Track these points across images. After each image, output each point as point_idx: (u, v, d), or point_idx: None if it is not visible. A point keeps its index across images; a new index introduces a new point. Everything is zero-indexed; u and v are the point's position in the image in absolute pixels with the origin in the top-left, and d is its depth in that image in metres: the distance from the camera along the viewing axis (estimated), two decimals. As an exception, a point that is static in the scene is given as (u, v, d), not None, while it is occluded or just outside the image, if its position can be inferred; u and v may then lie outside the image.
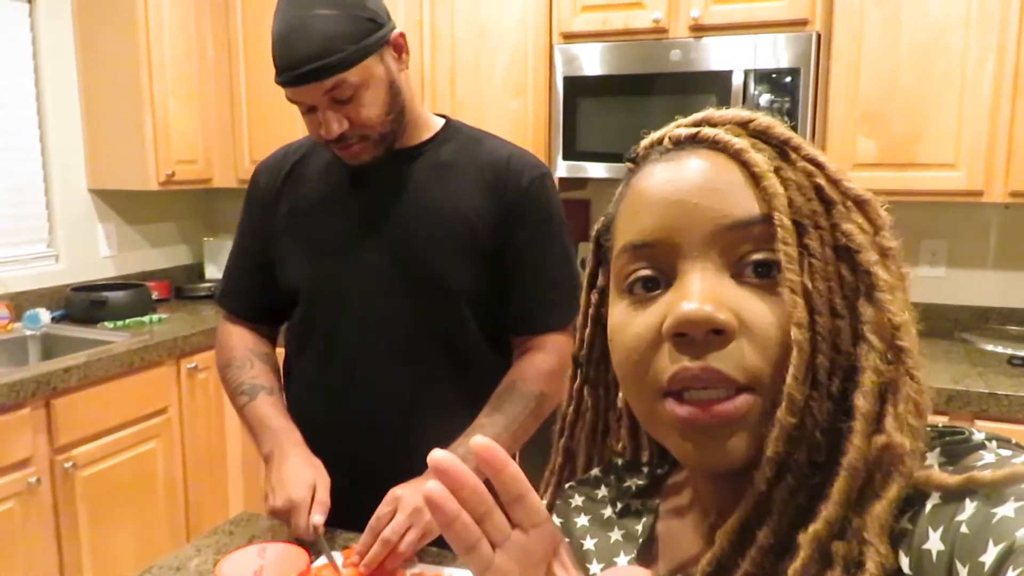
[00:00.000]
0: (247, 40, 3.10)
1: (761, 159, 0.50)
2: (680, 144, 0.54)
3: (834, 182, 0.51)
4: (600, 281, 0.63)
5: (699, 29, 2.46)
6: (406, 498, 1.16)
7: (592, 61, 2.58)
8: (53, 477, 2.26)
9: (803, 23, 2.35)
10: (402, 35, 1.27)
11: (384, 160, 1.30)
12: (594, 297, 0.63)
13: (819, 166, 0.52)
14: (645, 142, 0.58)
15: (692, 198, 0.51)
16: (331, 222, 1.35)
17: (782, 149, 0.52)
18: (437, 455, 0.48)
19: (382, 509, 1.16)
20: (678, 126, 0.56)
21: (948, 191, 2.28)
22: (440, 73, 2.83)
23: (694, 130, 0.54)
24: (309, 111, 1.24)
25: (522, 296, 1.34)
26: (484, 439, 0.47)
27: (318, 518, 1.17)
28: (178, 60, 2.99)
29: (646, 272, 0.52)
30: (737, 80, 2.37)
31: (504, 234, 1.31)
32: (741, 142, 0.51)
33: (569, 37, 2.64)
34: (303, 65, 1.17)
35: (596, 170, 2.62)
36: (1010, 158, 2.21)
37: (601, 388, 0.66)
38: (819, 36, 2.34)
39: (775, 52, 2.34)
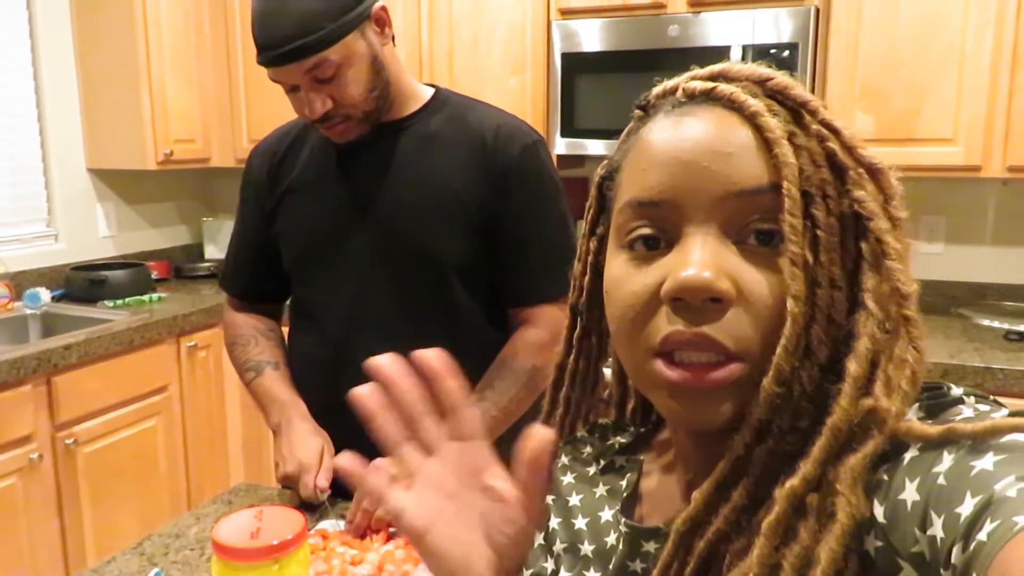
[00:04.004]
0: (244, 18, 3.09)
1: (776, 124, 0.49)
2: (694, 98, 0.53)
3: (848, 149, 0.50)
4: (600, 229, 0.62)
5: (698, 4, 2.45)
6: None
7: (591, 37, 2.57)
8: (55, 453, 2.28)
9: (802, -3, 2.34)
10: (384, 8, 1.24)
11: (371, 134, 1.29)
12: (593, 244, 0.63)
13: (834, 132, 0.51)
14: (657, 90, 0.57)
15: (702, 160, 0.50)
16: (321, 200, 1.34)
17: (798, 112, 0.51)
18: (374, 359, 0.51)
19: None
20: (693, 78, 0.54)
21: (947, 166, 2.28)
22: (438, 51, 2.82)
23: (710, 85, 0.52)
24: (293, 90, 1.23)
25: (516, 267, 1.32)
26: (427, 352, 0.51)
27: (323, 481, 1.22)
28: (176, 38, 2.98)
29: (648, 230, 0.52)
30: (735, 55, 2.36)
31: (496, 205, 1.29)
32: (757, 104, 0.50)
33: (567, 13, 2.63)
34: (282, 45, 1.15)
35: (595, 147, 2.62)
36: (1008, 132, 2.20)
37: (594, 336, 0.65)
38: (818, 11, 2.33)
39: (774, 27, 2.33)
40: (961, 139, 2.25)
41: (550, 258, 1.32)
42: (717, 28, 2.40)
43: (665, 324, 0.49)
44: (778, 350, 0.46)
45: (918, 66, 2.27)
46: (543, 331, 1.31)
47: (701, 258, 0.48)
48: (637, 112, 0.58)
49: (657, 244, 0.52)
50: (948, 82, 2.24)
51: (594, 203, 0.62)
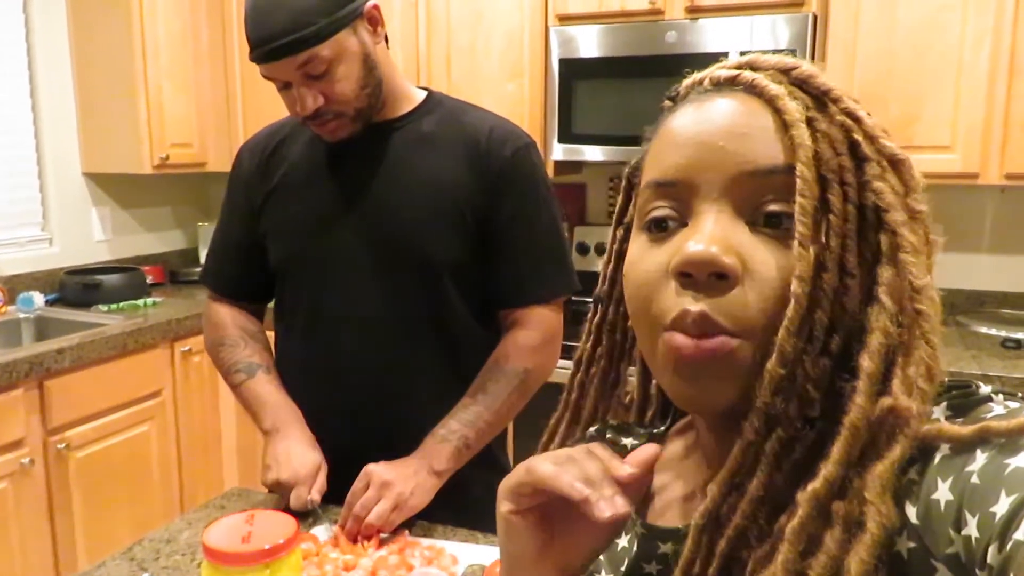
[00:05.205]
0: (241, 23, 3.07)
1: (794, 107, 0.49)
2: (719, 85, 0.54)
3: (871, 138, 0.50)
4: (627, 218, 0.62)
5: (695, 10, 2.45)
6: (377, 472, 1.19)
7: (588, 43, 2.57)
8: (47, 458, 2.26)
9: (799, 4, 2.35)
10: (376, 7, 1.24)
11: (363, 134, 1.29)
12: (619, 233, 0.63)
13: (857, 120, 0.50)
14: (687, 82, 0.58)
15: (718, 140, 0.50)
16: (311, 199, 1.33)
17: (821, 100, 0.51)
18: None
19: (356, 484, 1.20)
20: (720, 67, 0.55)
21: (944, 173, 2.27)
22: (436, 56, 2.82)
23: (734, 72, 0.53)
24: (285, 87, 1.22)
25: (508, 269, 1.32)
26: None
27: (317, 496, 1.22)
28: (172, 43, 2.98)
29: (665, 210, 0.52)
30: (733, 62, 2.36)
31: (489, 207, 1.29)
32: (778, 88, 0.50)
33: (565, 19, 2.63)
34: (273, 40, 1.15)
35: (592, 153, 2.62)
36: (1006, 140, 2.20)
37: (619, 333, 0.65)
38: (815, 17, 2.33)
39: (771, 33, 2.33)
40: (959, 146, 2.25)
41: (541, 259, 1.32)
42: (714, 34, 2.40)
43: (673, 301, 0.49)
44: (780, 331, 0.46)
45: (916, 73, 2.27)
46: (535, 333, 1.31)
47: (710, 233, 0.48)
48: (667, 103, 0.58)
49: (673, 224, 0.52)
50: (946, 89, 2.24)
51: (622, 193, 0.63)
